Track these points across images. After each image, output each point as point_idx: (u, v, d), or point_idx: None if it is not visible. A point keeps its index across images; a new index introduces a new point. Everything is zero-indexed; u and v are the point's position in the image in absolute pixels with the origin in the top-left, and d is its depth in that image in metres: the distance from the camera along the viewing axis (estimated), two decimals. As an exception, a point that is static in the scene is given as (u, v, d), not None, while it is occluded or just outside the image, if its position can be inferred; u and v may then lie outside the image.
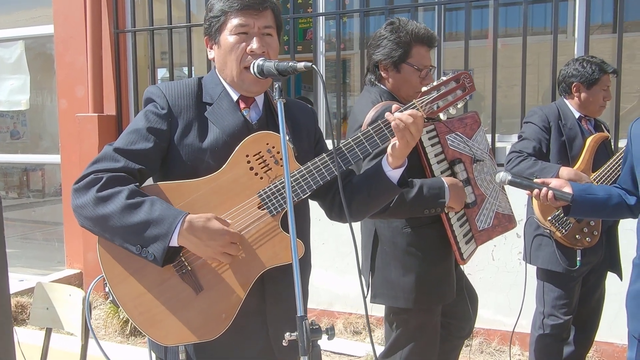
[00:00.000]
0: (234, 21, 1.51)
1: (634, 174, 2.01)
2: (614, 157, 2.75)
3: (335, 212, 1.69)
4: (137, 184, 1.42)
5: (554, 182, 2.04)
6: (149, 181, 1.52)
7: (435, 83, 1.63)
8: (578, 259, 2.69)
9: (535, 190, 2.04)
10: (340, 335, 4.08)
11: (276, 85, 1.41)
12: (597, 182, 2.69)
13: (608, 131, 2.95)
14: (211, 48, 1.60)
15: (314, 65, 1.35)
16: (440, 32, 3.74)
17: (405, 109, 1.54)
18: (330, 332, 1.28)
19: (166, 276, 1.40)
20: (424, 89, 1.63)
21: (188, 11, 4.54)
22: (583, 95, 2.79)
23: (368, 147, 1.53)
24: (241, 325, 1.45)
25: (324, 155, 1.52)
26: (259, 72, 1.46)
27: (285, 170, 1.34)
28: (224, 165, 1.46)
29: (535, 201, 2.70)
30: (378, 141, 1.53)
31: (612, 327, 3.43)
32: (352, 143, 1.53)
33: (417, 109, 1.56)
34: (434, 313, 2.20)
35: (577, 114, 2.83)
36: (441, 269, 2.14)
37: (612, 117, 3.50)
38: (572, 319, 2.80)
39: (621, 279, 2.94)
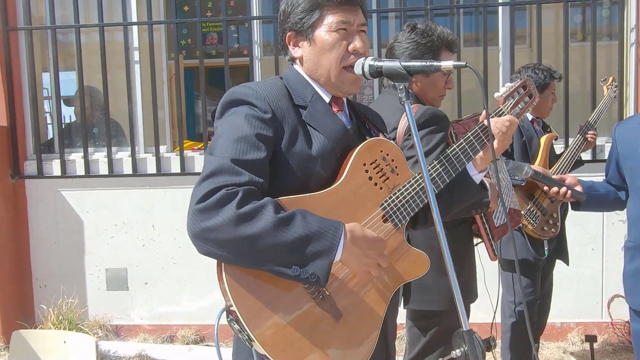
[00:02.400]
0: (333, 17, 1.39)
1: (621, 171, 2.28)
2: (564, 155, 3.07)
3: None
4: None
5: (568, 180, 2.22)
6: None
7: (506, 90, 1.66)
8: (546, 248, 2.96)
9: (554, 188, 2.20)
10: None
11: (401, 87, 1.32)
12: None
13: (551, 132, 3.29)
14: (296, 45, 1.45)
15: (468, 64, 1.29)
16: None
17: (497, 115, 1.56)
18: (493, 343, 1.24)
19: (303, 304, 1.23)
20: (496, 95, 1.66)
21: (100, 9, 4.06)
22: (536, 99, 3.07)
23: (471, 153, 1.51)
24: None
25: (434, 162, 1.47)
26: (372, 73, 1.36)
27: (425, 176, 1.26)
28: (343, 176, 1.33)
29: (507, 198, 2.90)
30: (478, 147, 1.52)
31: (545, 308, 3.81)
32: (458, 150, 1.50)
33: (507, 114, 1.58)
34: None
35: (530, 117, 3.10)
36: (470, 268, 2.20)
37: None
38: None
39: (568, 264, 3.29)
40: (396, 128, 2.02)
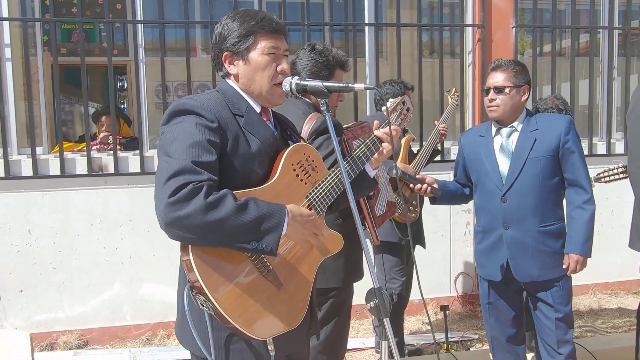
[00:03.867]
0: (265, 43, 1.68)
1: (466, 172, 2.89)
2: (421, 152, 3.67)
3: None
4: None
5: (427, 179, 2.75)
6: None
7: (390, 105, 2.10)
8: (410, 230, 3.52)
9: (418, 185, 2.73)
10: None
11: (323, 102, 1.67)
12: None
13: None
14: (232, 64, 1.71)
15: (376, 87, 1.67)
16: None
17: (386, 125, 1.97)
18: (395, 297, 1.64)
19: (253, 277, 1.51)
20: (383, 109, 2.08)
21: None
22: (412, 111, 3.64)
23: (368, 154, 1.91)
24: None
25: (344, 162, 1.83)
26: (298, 89, 1.68)
27: (343, 172, 1.62)
28: (277, 174, 1.63)
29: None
30: (373, 149, 1.93)
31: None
32: (359, 153, 1.88)
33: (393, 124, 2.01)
34: (351, 290, 2.65)
35: (393, 123, 3.66)
36: (359, 252, 2.61)
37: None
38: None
39: (425, 248, 3.92)
40: (299, 133, 2.36)
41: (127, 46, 6.63)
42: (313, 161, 1.74)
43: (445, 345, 3.80)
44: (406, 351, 3.83)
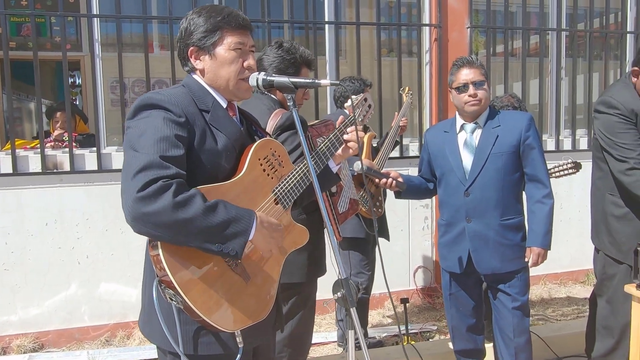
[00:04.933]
0: (232, 38, 1.69)
1: (431, 167, 2.96)
2: (383, 146, 3.74)
3: None
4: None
5: (392, 174, 2.81)
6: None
7: (351, 102, 2.14)
8: (375, 225, 3.58)
9: (383, 180, 2.78)
10: (142, 344, 4.05)
11: (289, 97, 1.70)
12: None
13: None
14: (197, 58, 1.71)
15: (341, 83, 1.70)
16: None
17: (349, 121, 2.01)
18: (361, 287, 1.68)
19: (221, 270, 1.52)
20: (348, 103, 2.13)
21: None
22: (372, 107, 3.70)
23: (332, 149, 1.94)
24: None
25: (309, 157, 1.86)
26: (264, 85, 1.70)
27: (310, 165, 1.65)
28: (244, 169, 1.65)
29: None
30: (337, 145, 1.96)
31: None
32: (324, 147, 1.92)
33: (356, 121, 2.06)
34: (315, 285, 2.69)
35: (355, 120, 3.72)
36: (322, 247, 2.65)
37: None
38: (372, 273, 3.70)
39: (389, 240, 3.99)
40: (264, 129, 2.38)
41: (80, 41, 6.44)
42: (279, 156, 1.76)
43: (405, 336, 3.90)
44: (367, 343, 3.90)
